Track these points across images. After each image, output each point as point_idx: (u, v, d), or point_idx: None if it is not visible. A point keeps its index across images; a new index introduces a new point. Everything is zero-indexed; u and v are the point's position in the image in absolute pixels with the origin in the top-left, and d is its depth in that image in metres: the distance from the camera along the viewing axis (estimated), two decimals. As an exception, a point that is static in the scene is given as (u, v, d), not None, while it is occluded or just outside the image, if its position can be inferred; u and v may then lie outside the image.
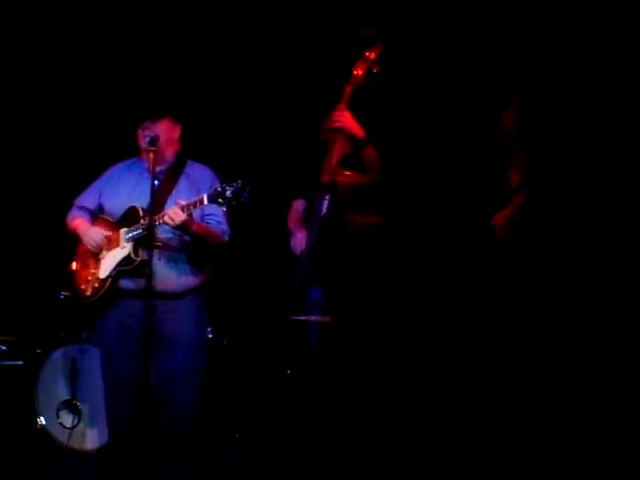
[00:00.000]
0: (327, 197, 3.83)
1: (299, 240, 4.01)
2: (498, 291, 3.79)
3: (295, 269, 3.81)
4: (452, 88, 4.76)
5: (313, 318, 3.80)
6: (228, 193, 3.76)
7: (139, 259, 3.99)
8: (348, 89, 3.89)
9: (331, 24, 5.09)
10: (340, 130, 3.87)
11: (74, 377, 5.19)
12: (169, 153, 4.19)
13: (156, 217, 3.92)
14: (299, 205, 4.25)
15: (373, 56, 3.90)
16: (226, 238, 4.19)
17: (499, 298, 3.79)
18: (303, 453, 3.92)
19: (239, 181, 3.78)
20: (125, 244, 4.04)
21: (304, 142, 4.43)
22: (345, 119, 3.86)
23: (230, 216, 4.19)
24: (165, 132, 4.13)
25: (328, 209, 3.82)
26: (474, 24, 4.70)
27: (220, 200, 3.78)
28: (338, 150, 3.89)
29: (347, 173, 3.90)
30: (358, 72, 3.89)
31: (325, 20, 5.15)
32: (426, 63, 4.81)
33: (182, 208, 3.89)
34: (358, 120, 3.91)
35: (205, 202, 3.85)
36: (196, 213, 4.04)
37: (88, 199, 4.31)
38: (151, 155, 3.95)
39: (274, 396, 5.27)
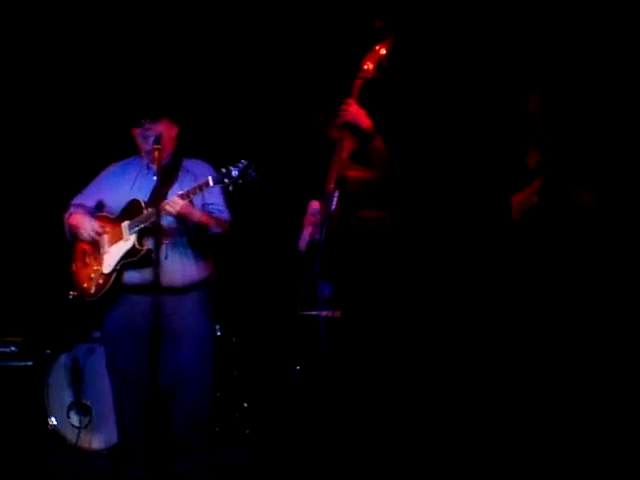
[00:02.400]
0: (337, 192, 3.82)
1: (302, 236, 4.01)
2: (515, 277, 3.80)
3: (303, 264, 3.80)
4: (469, 74, 4.75)
5: (324, 313, 3.79)
6: (234, 172, 3.75)
7: (145, 248, 3.98)
8: (358, 83, 3.87)
9: (341, 18, 5.07)
10: (347, 124, 3.85)
11: (84, 377, 5.18)
12: (168, 151, 4.21)
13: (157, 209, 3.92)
14: (313, 205, 4.23)
15: (384, 50, 3.88)
16: (228, 226, 4.17)
17: (515, 285, 3.79)
18: (313, 449, 3.92)
19: (243, 160, 3.77)
20: (129, 236, 4.03)
21: (313, 138, 4.41)
22: (351, 111, 3.84)
23: (234, 201, 4.17)
24: (166, 131, 4.15)
25: (337, 204, 3.81)
26: (496, 13, 4.70)
27: (226, 180, 3.77)
28: (347, 145, 3.87)
29: (356, 168, 3.89)
30: (368, 66, 3.87)
31: (334, 14, 5.13)
32: (443, 50, 4.80)
33: (181, 196, 3.88)
34: (369, 113, 3.89)
35: (211, 183, 3.84)
36: (197, 202, 4.03)
37: (86, 198, 4.31)
38: (156, 153, 3.95)
39: (284, 392, 5.26)
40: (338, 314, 3.71)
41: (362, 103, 3.87)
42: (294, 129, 5.45)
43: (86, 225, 4.17)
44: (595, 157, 3.79)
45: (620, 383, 3.70)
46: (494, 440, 4.04)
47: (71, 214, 4.28)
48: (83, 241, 4.21)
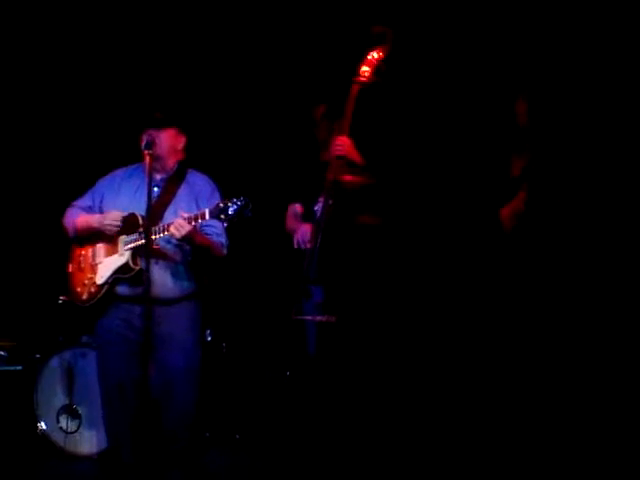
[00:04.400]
0: (331, 198, 3.82)
1: (302, 232, 3.99)
2: (508, 286, 3.81)
3: (297, 267, 3.81)
4: (457, 84, 4.76)
5: (318, 318, 3.79)
6: (231, 210, 3.74)
7: (137, 268, 3.97)
8: (355, 88, 3.87)
9: (337, 24, 5.08)
10: (341, 157, 3.86)
11: (73, 382, 5.18)
12: (171, 162, 4.19)
13: (158, 227, 3.92)
14: (296, 208, 4.24)
15: (381, 55, 3.89)
16: (225, 251, 4.18)
17: (508, 294, 3.81)
18: (303, 454, 3.93)
19: (242, 198, 3.76)
20: (124, 252, 4.03)
21: (302, 145, 4.42)
22: (345, 148, 3.85)
23: (230, 230, 4.18)
24: (168, 141, 4.13)
25: (333, 209, 3.81)
26: (485, 18, 4.72)
27: (222, 216, 3.76)
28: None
29: (352, 172, 3.89)
30: (365, 71, 3.87)
31: (331, 20, 5.14)
32: (432, 57, 4.81)
33: (188, 220, 3.88)
34: (364, 118, 3.89)
35: (207, 217, 3.83)
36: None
37: (89, 201, 4.28)
38: (147, 158, 3.94)
39: (274, 397, 5.27)
40: (333, 319, 3.70)
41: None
42: (285, 136, 5.46)
43: (114, 217, 4.05)
44: (580, 162, 3.81)
45: (603, 388, 3.72)
46: (482, 450, 4.05)
47: (78, 215, 4.21)
48: (81, 246, 4.20)
